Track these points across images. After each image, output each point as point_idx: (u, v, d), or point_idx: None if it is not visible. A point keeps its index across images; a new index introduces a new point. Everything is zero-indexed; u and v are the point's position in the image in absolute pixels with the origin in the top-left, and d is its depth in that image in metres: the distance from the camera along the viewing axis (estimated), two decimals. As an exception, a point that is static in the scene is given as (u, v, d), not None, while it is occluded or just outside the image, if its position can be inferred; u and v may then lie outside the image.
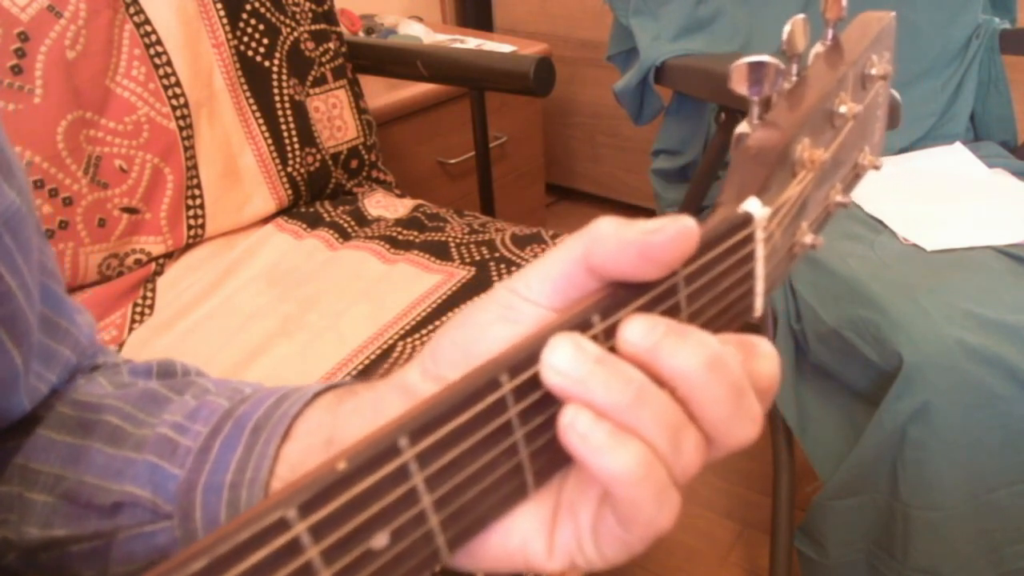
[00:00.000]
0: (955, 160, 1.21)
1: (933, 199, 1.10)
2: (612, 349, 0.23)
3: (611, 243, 0.23)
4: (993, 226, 1.00)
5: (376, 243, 1.07)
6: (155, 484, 0.34)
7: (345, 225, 1.13)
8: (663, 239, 0.23)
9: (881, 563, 0.90)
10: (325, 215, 1.15)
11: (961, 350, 0.80)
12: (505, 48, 1.72)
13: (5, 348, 0.34)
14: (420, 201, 1.22)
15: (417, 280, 0.99)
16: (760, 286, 0.28)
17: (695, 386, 0.23)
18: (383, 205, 1.20)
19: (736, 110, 1.06)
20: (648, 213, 1.93)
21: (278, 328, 0.92)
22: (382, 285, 0.99)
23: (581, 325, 0.23)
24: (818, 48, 0.32)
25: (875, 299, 0.87)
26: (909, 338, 0.82)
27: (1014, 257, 0.94)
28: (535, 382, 0.22)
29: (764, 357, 0.25)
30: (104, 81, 0.99)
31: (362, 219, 1.15)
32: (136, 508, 0.34)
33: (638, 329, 0.23)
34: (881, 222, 1.04)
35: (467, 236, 1.08)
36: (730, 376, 0.23)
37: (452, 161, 1.63)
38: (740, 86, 0.28)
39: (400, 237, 1.09)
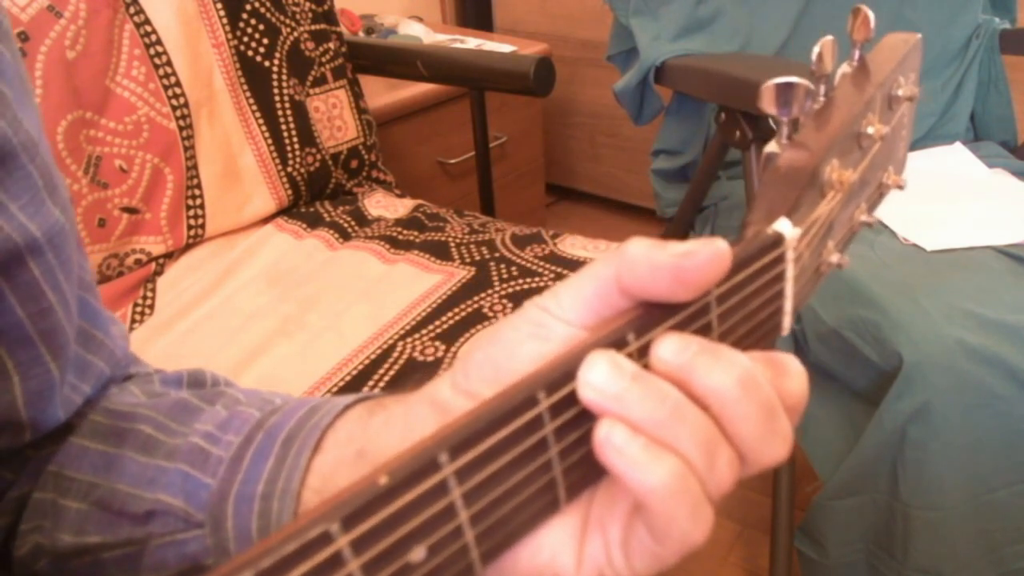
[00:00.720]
0: (955, 160, 1.21)
1: (933, 199, 1.10)
2: (647, 367, 0.23)
3: (643, 266, 0.23)
4: (993, 226, 1.00)
5: (376, 243, 1.07)
6: (187, 493, 0.35)
7: (345, 225, 1.13)
8: (696, 263, 0.23)
9: (881, 563, 0.90)
10: (325, 215, 1.15)
11: (961, 350, 0.80)
12: (505, 48, 1.72)
13: (43, 362, 0.35)
14: (420, 201, 1.22)
15: (417, 280, 0.99)
16: (789, 305, 0.28)
17: (727, 404, 0.23)
18: (383, 205, 1.20)
19: (736, 110, 1.06)
20: (648, 213, 1.94)
21: (278, 328, 0.92)
22: (382, 285, 0.99)
23: (617, 343, 0.23)
24: (845, 69, 0.33)
25: (875, 299, 0.87)
26: (909, 338, 0.82)
27: (1014, 257, 0.94)
28: (571, 399, 0.23)
29: (793, 376, 0.25)
30: (104, 81, 0.99)
31: (362, 219, 1.15)
32: (168, 516, 0.35)
33: (671, 348, 0.23)
34: (881, 222, 1.04)
35: (467, 236, 1.08)
36: (761, 395, 0.23)
37: (452, 161, 1.63)
38: (769, 107, 0.28)
39: (400, 237, 1.09)
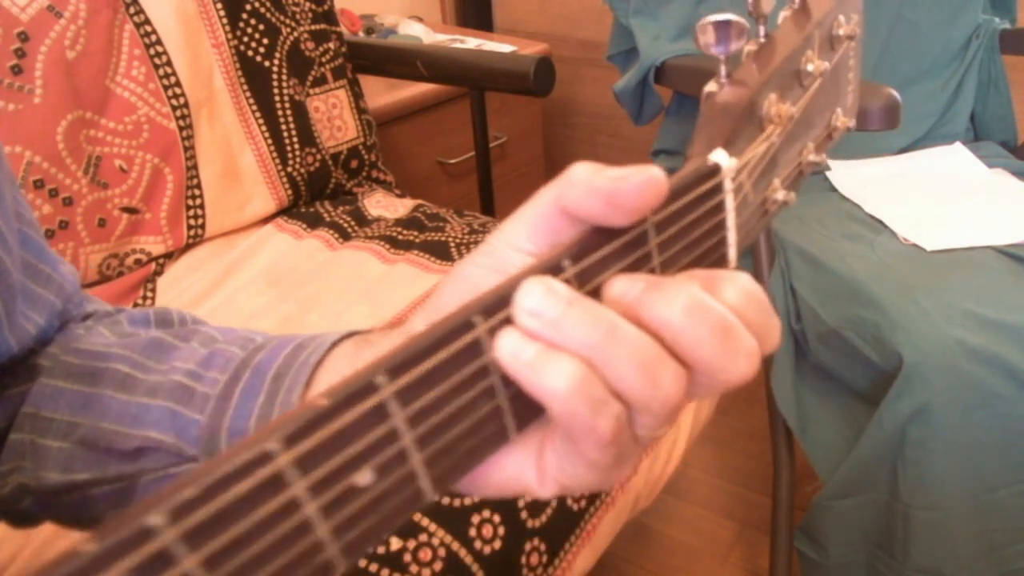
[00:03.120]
0: (955, 160, 1.21)
1: (933, 199, 1.10)
2: (586, 294, 0.24)
3: (582, 188, 0.24)
4: (993, 226, 1.00)
5: (376, 243, 1.07)
6: (177, 429, 0.35)
7: (345, 225, 1.13)
8: (629, 186, 0.23)
9: (881, 563, 0.90)
10: (325, 215, 1.15)
11: (961, 350, 0.80)
12: (505, 48, 1.72)
13: None
14: (420, 201, 1.22)
15: (417, 280, 0.99)
16: (732, 236, 0.28)
17: (678, 332, 0.23)
18: (383, 205, 1.20)
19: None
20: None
21: (278, 328, 0.92)
22: (382, 285, 0.99)
23: (552, 269, 0.23)
24: (786, 12, 0.33)
25: (875, 299, 0.87)
26: (909, 338, 0.82)
27: (1014, 257, 0.94)
28: (507, 324, 0.23)
29: (726, 285, 0.25)
30: (104, 81, 0.99)
31: (362, 219, 1.15)
32: (160, 452, 0.35)
33: (619, 288, 0.24)
34: (881, 222, 1.04)
35: (467, 236, 1.08)
36: (711, 317, 0.24)
37: (452, 161, 1.63)
38: (706, 44, 0.29)
39: (400, 237, 1.09)
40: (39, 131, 0.92)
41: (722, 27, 0.28)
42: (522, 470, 0.26)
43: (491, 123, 1.32)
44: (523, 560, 0.73)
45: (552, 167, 2.17)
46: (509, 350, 0.23)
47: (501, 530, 0.71)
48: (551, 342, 0.23)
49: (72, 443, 0.37)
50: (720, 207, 0.27)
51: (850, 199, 1.11)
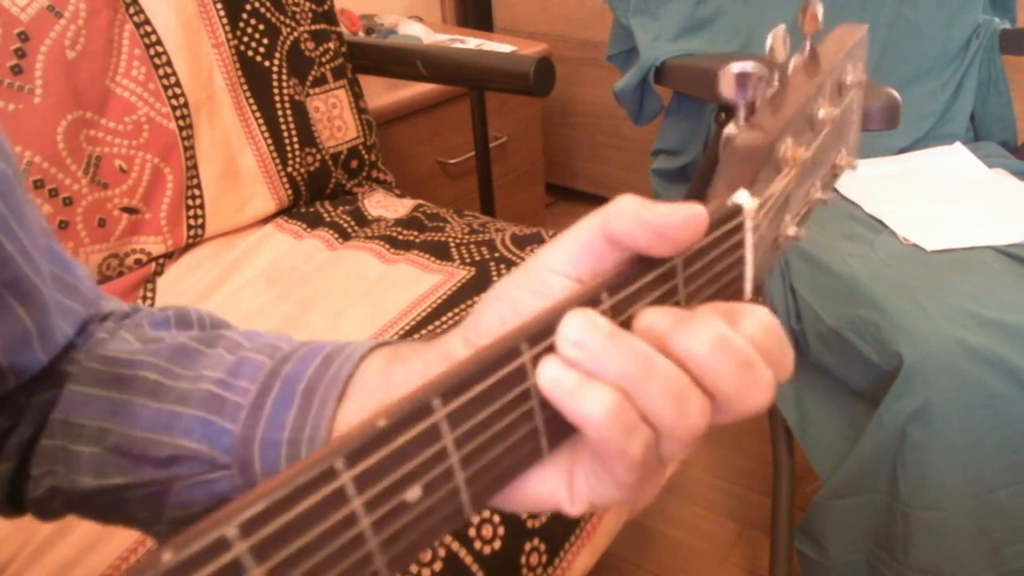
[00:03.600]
0: (955, 160, 1.21)
1: (933, 199, 1.10)
2: (619, 324, 0.26)
3: (630, 218, 0.25)
4: (993, 226, 1.00)
5: (376, 243, 1.07)
6: (209, 438, 0.36)
7: (345, 225, 1.13)
8: (675, 221, 0.25)
9: (881, 563, 0.90)
10: (325, 215, 1.15)
11: (961, 350, 0.80)
12: (505, 48, 1.72)
13: (12, 309, 0.36)
14: (420, 201, 1.22)
15: (417, 280, 0.99)
16: (749, 272, 0.30)
17: (703, 365, 0.25)
18: (383, 205, 1.20)
19: (736, 110, 1.06)
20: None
21: (278, 328, 0.92)
22: (382, 285, 0.99)
23: (591, 301, 0.25)
24: (797, 59, 0.36)
25: (875, 299, 0.87)
26: (909, 338, 0.82)
27: (1014, 257, 0.94)
28: (551, 352, 0.25)
29: (746, 319, 0.27)
30: (104, 81, 0.99)
31: (362, 219, 1.15)
32: (193, 460, 0.36)
33: (649, 319, 0.26)
34: (881, 222, 1.04)
35: (467, 236, 1.08)
36: (735, 352, 0.25)
37: (452, 161, 1.63)
38: (727, 91, 0.31)
39: (400, 237, 1.09)
40: (39, 131, 0.92)
41: (742, 76, 0.31)
42: (555, 489, 0.27)
43: (491, 123, 1.32)
44: (523, 560, 0.73)
45: (552, 167, 2.17)
46: (551, 377, 0.24)
47: (501, 530, 0.71)
48: (590, 371, 0.24)
49: (104, 449, 0.37)
50: (740, 244, 0.29)
51: (850, 199, 1.11)
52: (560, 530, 0.77)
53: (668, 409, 0.24)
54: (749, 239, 0.29)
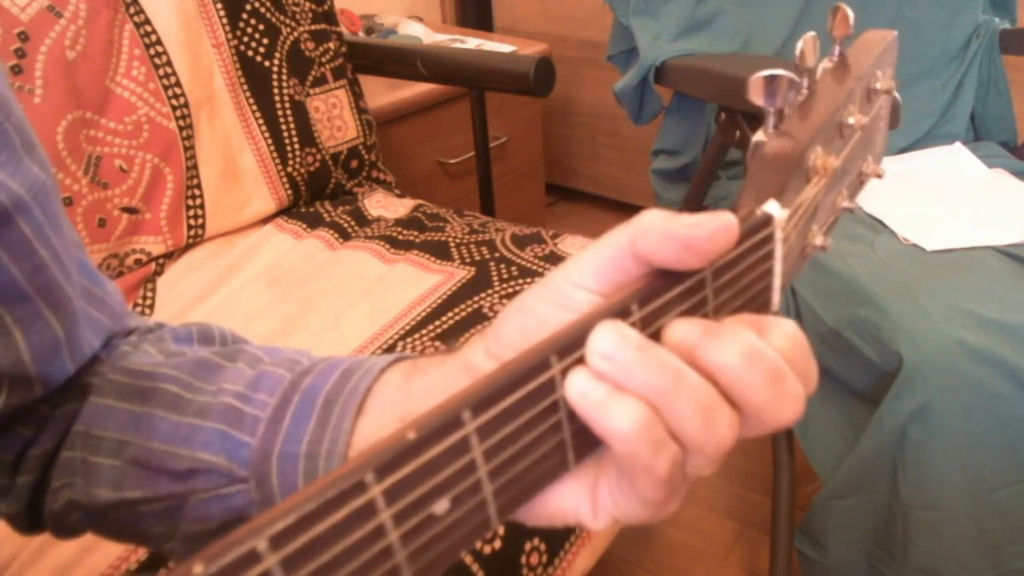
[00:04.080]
0: (955, 160, 1.21)
1: (933, 199, 1.10)
2: (648, 335, 0.25)
3: (656, 233, 0.25)
4: (993, 226, 1.00)
5: (376, 243, 1.07)
6: (228, 451, 0.36)
7: (345, 225, 1.13)
8: (705, 233, 0.25)
9: (881, 563, 0.90)
10: (325, 215, 1.15)
11: (961, 350, 0.80)
12: (505, 48, 1.72)
13: (43, 317, 0.36)
14: (420, 201, 1.22)
15: (417, 280, 0.99)
16: (778, 282, 0.30)
17: (733, 377, 0.25)
18: (383, 205, 1.20)
19: (736, 110, 1.06)
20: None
21: (278, 328, 0.92)
22: (382, 285, 0.99)
23: (621, 313, 0.25)
24: (826, 64, 0.35)
25: (875, 299, 0.87)
26: (909, 338, 0.82)
27: (1014, 257, 0.94)
28: (580, 364, 0.24)
29: (775, 332, 0.26)
30: (104, 81, 0.99)
31: (362, 219, 1.15)
32: (211, 473, 0.36)
33: (680, 332, 0.26)
34: (881, 222, 1.04)
35: (467, 236, 1.08)
36: (765, 364, 0.25)
37: (452, 161, 1.63)
38: (757, 98, 0.30)
39: (400, 237, 1.09)
40: (39, 131, 0.92)
41: (771, 81, 0.30)
42: (578, 503, 0.27)
43: (491, 123, 1.32)
44: (523, 560, 0.73)
45: (552, 167, 2.17)
46: (580, 390, 0.24)
47: (501, 530, 0.71)
48: (619, 384, 0.24)
49: (123, 461, 0.38)
50: (770, 255, 0.29)
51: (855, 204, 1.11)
52: (560, 530, 0.77)
53: (696, 423, 0.24)
54: (779, 250, 0.29)
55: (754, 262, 0.28)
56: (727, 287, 0.28)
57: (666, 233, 0.25)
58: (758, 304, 0.29)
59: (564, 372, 0.24)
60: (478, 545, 0.69)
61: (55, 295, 0.37)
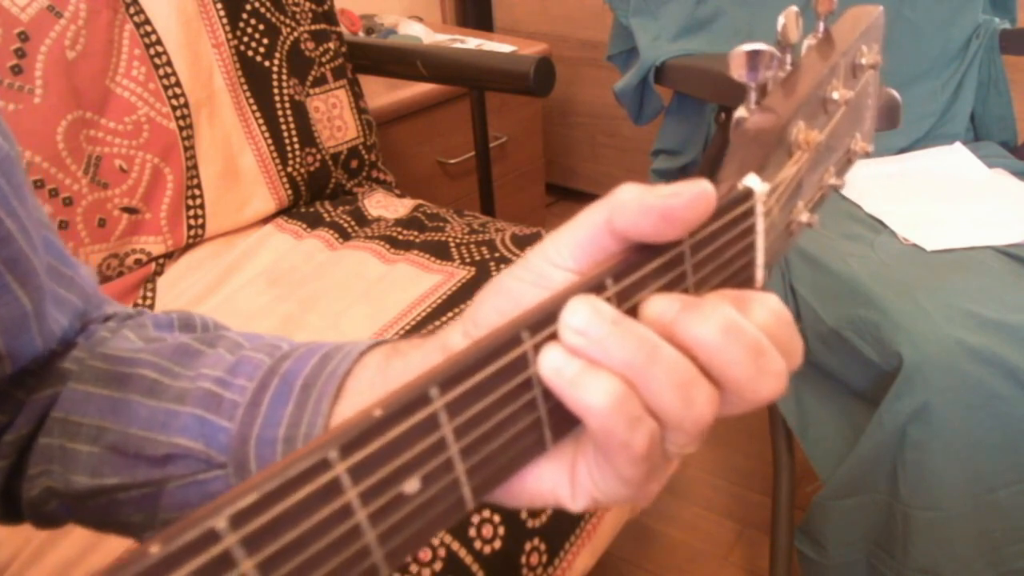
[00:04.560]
0: (955, 160, 1.21)
1: (933, 199, 1.10)
2: (625, 311, 0.25)
3: (633, 207, 0.25)
4: (993, 226, 1.00)
5: (376, 243, 1.07)
6: (206, 436, 0.36)
7: (345, 225, 1.13)
8: (682, 202, 0.24)
9: (881, 563, 0.90)
10: (325, 215, 1.15)
11: (961, 350, 0.80)
12: (505, 48, 1.72)
13: (11, 289, 0.36)
14: (420, 201, 1.22)
15: (417, 280, 0.99)
16: (760, 258, 0.29)
17: (713, 352, 0.24)
18: (383, 205, 1.20)
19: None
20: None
21: (278, 328, 0.92)
22: (382, 285, 0.99)
23: (596, 288, 0.24)
24: (810, 40, 0.35)
25: (875, 299, 0.87)
26: (909, 338, 0.82)
27: (1014, 257, 0.94)
28: (553, 340, 0.24)
29: (757, 306, 0.26)
30: (104, 81, 0.99)
31: (362, 219, 1.15)
32: (189, 459, 0.36)
33: (657, 307, 0.25)
34: (881, 222, 1.04)
35: (467, 236, 1.08)
36: (745, 338, 0.24)
37: (452, 161, 1.63)
38: (738, 72, 0.30)
39: (400, 237, 1.09)
40: (39, 131, 0.92)
41: (753, 56, 0.30)
42: (556, 483, 0.27)
43: (491, 123, 1.32)
44: (523, 560, 0.73)
45: (552, 167, 2.17)
46: (552, 366, 0.23)
47: (501, 530, 0.71)
48: (593, 359, 0.24)
49: (101, 448, 0.37)
50: (751, 230, 0.28)
51: (850, 199, 1.11)
52: (560, 530, 0.77)
53: (674, 399, 0.24)
54: (760, 224, 0.28)
55: (735, 236, 0.28)
56: (707, 262, 0.27)
57: (643, 206, 0.24)
58: (741, 280, 0.29)
59: (537, 348, 0.24)
60: (477, 545, 0.69)
61: (22, 267, 0.36)
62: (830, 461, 0.92)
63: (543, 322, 0.24)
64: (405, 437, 0.21)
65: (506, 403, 0.24)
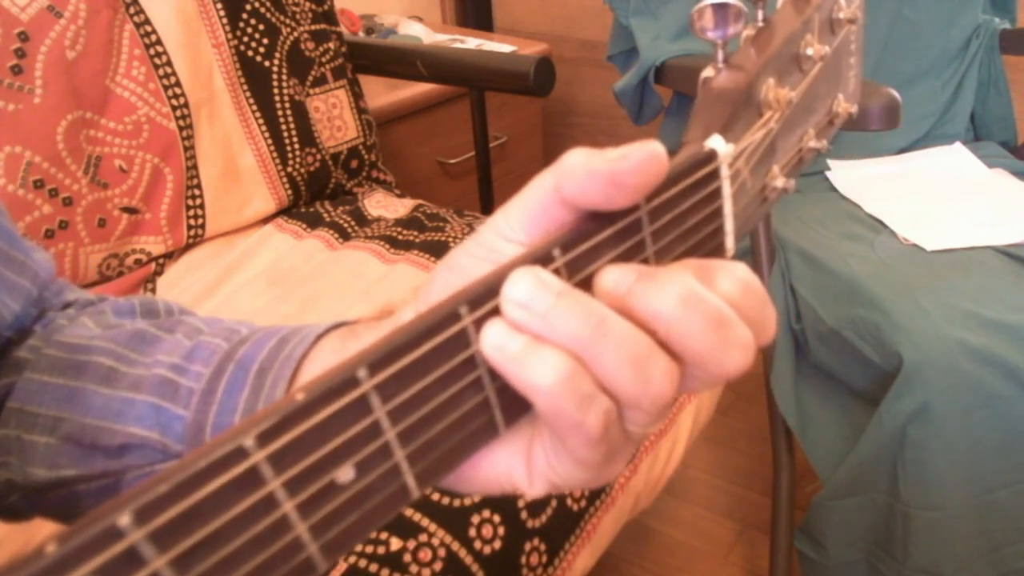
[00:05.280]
0: (955, 160, 1.21)
1: (933, 199, 1.10)
2: (576, 284, 0.23)
3: (580, 173, 0.23)
4: (993, 226, 1.00)
5: (376, 243, 1.07)
6: (161, 425, 0.35)
7: (345, 225, 1.13)
8: (631, 165, 0.23)
9: (881, 563, 0.90)
10: (325, 215, 1.15)
11: (961, 350, 0.80)
12: (505, 48, 1.72)
13: None
14: (420, 201, 1.22)
15: (417, 280, 0.99)
16: (729, 224, 0.28)
17: (671, 324, 0.23)
18: (383, 205, 1.20)
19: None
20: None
21: (278, 328, 0.92)
22: (382, 285, 0.99)
23: (542, 259, 0.23)
24: None
25: (875, 299, 0.87)
26: (909, 338, 0.82)
27: (1014, 257, 0.94)
28: (495, 315, 0.22)
29: (721, 275, 0.24)
30: (104, 81, 0.99)
31: (362, 219, 1.15)
32: (145, 448, 0.35)
33: (611, 278, 0.23)
34: (881, 222, 1.04)
35: (467, 236, 1.08)
36: (706, 308, 0.23)
37: (452, 161, 1.63)
38: (704, 27, 0.28)
39: (400, 237, 1.09)
40: (39, 131, 0.92)
41: (719, 10, 0.28)
42: (511, 467, 0.25)
43: (491, 123, 1.32)
44: (523, 560, 0.73)
45: (552, 167, 2.17)
46: (494, 343, 0.22)
47: (501, 530, 0.71)
48: (539, 335, 0.22)
49: (58, 439, 0.36)
50: (717, 194, 0.26)
51: (850, 199, 1.11)
52: (560, 530, 0.77)
53: (627, 375, 0.22)
54: (727, 188, 0.27)
55: (698, 201, 0.26)
56: (668, 229, 0.25)
57: (590, 171, 0.23)
58: (710, 249, 0.27)
59: (478, 324, 0.22)
60: (477, 545, 0.69)
61: None
62: (830, 461, 0.92)
63: (484, 296, 0.22)
64: (331, 422, 0.20)
65: (447, 384, 0.22)
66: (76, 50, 0.96)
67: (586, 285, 0.24)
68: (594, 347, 0.22)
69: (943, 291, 0.86)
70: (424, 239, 1.08)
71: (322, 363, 0.33)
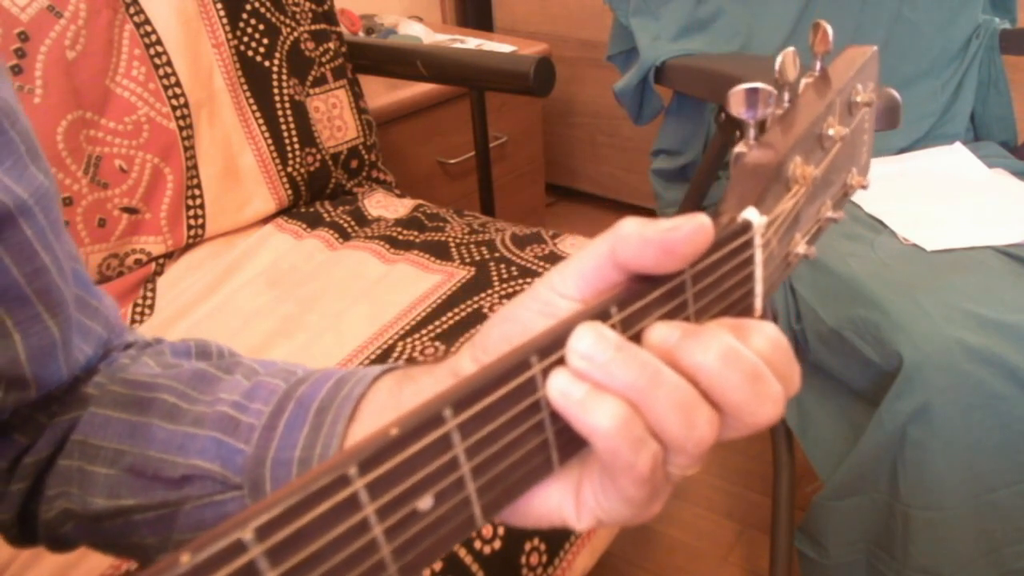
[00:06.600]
0: (955, 160, 1.21)
1: (933, 199, 1.10)
2: (628, 338, 0.26)
3: (635, 240, 0.26)
4: (993, 226, 1.00)
5: (376, 243, 1.07)
6: (223, 458, 0.37)
7: (345, 225, 1.13)
8: (681, 235, 0.26)
9: (881, 563, 0.90)
10: (325, 215, 1.15)
11: (961, 350, 0.80)
12: (505, 48, 1.72)
13: (42, 319, 0.37)
14: (420, 201, 1.22)
15: (417, 280, 0.99)
16: (759, 288, 0.30)
17: (712, 377, 0.25)
18: (383, 205, 1.20)
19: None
20: (648, 213, 1.93)
21: (278, 328, 0.92)
22: (382, 285, 0.99)
23: (601, 315, 0.25)
24: (808, 78, 0.36)
25: (875, 299, 0.87)
26: (909, 338, 0.82)
27: (1014, 257, 0.94)
28: (561, 364, 0.25)
29: (755, 334, 0.27)
30: (104, 81, 0.99)
31: (362, 219, 1.15)
32: (205, 480, 0.37)
33: (659, 334, 0.26)
34: (881, 222, 1.04)
35: (467, 236, 1.08)
36: (743, 365, 0.25)
37: (452, 161, 1.63)
38: (738, 109, 0.32)
39: (400, 237, 1.09)
40: (39, 131, 0.92)
41: (751, 94, 0.31)
42: (562, 503, 0.28)
43: (491, 123, 1.32)
44: (523, 560, 0.73)
45: (552, 167, 2.17)
46: (560, 389, 0.24)
47: (501, 530, 0.71)
48: (599, 383, 0.25)
49: (119, 470, 0.38)
50: (750, 260, 0.29)
51: (850, 199, 1.11)
52: (560, 530, 0.77)
53: (676, 421, 0.25)
54: (758, 255, 0.29)
55: (734, 267, 0.29)
56: (707, 291, 0.28)
57: (644, 239, 0.25)
58: (741, 309, 0.30)
59: (545, 372, 0.25)
60: (477, 545, 0.69)
61: (54, 298, 0.37)
62: (830, 461, 0.92)
63: (551, 347, 0.25)
64: (420, 456, 0.22)
65: (515, 425, 0.24)
66: (76, 50, 0.96)
67: (636, 340, 0.26)
68: (648, 395, 0.25)
69: (943, 291, 0.86)
70: (424, 239, 1.08)
71: (379, 403, 0.35)
